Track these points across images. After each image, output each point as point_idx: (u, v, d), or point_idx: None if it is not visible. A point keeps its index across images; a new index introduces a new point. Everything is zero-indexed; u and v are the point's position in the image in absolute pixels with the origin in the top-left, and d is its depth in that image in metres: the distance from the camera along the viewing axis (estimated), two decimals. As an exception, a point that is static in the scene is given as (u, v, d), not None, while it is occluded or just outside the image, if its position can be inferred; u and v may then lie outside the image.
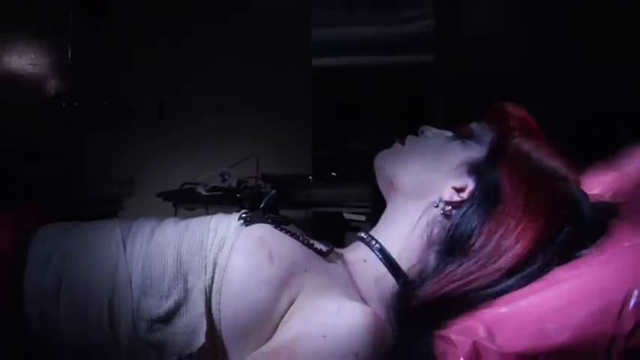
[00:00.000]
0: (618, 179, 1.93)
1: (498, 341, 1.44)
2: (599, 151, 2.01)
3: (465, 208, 1.74)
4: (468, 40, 6.22)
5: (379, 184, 1.97)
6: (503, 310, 1.54)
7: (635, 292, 1.42)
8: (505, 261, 1.61)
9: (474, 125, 1.90)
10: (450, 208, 1.76)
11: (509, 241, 1.63)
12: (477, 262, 1.64)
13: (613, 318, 1.41)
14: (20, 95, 6.31)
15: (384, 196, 1.95)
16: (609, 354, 1.40)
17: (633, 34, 5.69)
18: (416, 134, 1.97)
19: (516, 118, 1.86)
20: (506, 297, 1.58)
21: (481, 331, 1.48)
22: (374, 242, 1.83)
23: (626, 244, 1.57)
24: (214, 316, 1.63)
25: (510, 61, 6.15)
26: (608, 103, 5.64)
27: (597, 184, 1.90)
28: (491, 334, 1.46)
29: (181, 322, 1.62)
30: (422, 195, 1.82)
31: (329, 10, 6.14)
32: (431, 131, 1.98)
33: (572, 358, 1.41)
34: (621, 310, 1.42)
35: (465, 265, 1.64)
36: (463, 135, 1.89)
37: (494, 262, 1.62)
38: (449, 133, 1.94)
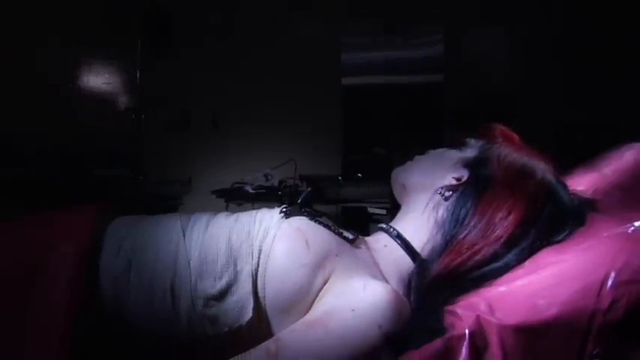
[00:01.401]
0: (597, 179, 1.94)
1: (498, 315, 1.45)
2: (582, 156, 2.03)
3: (461, 190, 1.80)
4: (472, 62, 6.21)
5: (394, 192, 2.02)
6: (502, 289, 1.56)
7: (612, 274, 1.43)
8: (502, 230, 1.68)
9: (468, 139, 1.97)
10: (450, 192, 1.81)
11: (502, 214, 1.70)
12: (478, 233, 1.69)
13: (593, 296, 1.42)
14: (97, 109, 6.36)
15: (398, 200, 1.99)
16: (590, 326, 1.41)
17: (613, 58, 5.68)
18: (428, 142, 2.02)
19: (500, 131, 1.99)
20: (504, 278, 1.60)
21: (483, 307, 1.49)
22: (392, 230, 1.86)
23: (605, 234, 1.58)
24: (260, 294, 1.64)
25: (509, 81, 6.14)
26: (591, 115, 5.64)
27: (580, 184, 1.92)
28: (491, 309, 1.47)
29: (232, 299, 1.64)
30: (427, 188, 1.86)
31: (356, 38, 6.15)
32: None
33: (559, 329, 1.42)
34: (600, 289, 1.43)
35: (469, 237, 1.69)
36: (460, 145, 1.97)
37: (493, 231, 1.68)
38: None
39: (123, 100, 6.62)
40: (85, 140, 5.77)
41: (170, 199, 6.01)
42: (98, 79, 6.55)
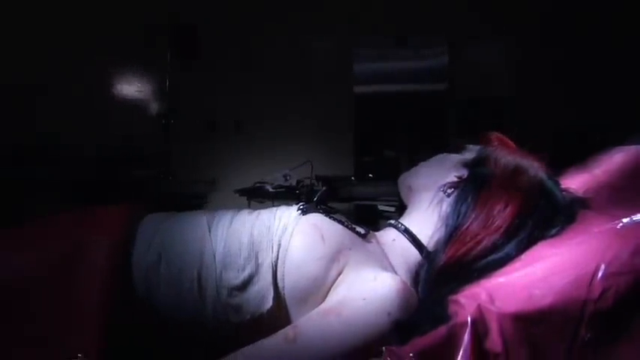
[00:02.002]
0: (589, 179, 1.95)
1: (497, 304, 1.45)
2: (574, 157, 2.05)
3: (462, 187, 1.81)
4: (474, 71, 6.22)
5: (401, 194, 2.03)
6: (501, 280, 1.56)
7: (602, 267, 1.43)
8: (501, 221, 1.69)
9: (467, 144, 2.00)
10: (452, 189, 1.82)
11: (500, 206, 1.71)
12: (479, 224, 1.71)
13: (585, 286, 1.43)
14: (130, 115, 6.39)
15: (405, 201, 2.00)
16: (582, 313, 1.41)
17: (606, 68, 5.67)
18: (433, 146, 2.06)
19: (496, 136, 2.03)
20: (503, 270, 1.60)
21: (484, 296, 1.49)
22: (400, 225, 1.87)
23: (596, 229, 1.58)
24: (279, 284, 1.66)
25: (509, 88, 6.14)
26: (582, 121, 5.63)
27: (572, 183, 1.93)
28: (491, 299, 1.47)
29: (253, 289, 1.65)
30: (431, 187, 1.87)
31: (367, 49, 6.16)
32: None
33: (554, 317, 1.42)
34: (591, 280, 1.43)
35: (471, 228, 1.71)
36: (460, 150, 2.00)
37: (493, 222, 1.70)
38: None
39: (154, 107, 6.65)
40: (119, 144, 5.81)
41: (196, 198, 6.03)
42: (131, 88, 6.58)
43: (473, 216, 1.73)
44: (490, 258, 1.67)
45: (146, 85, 6.62)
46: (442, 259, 1.71)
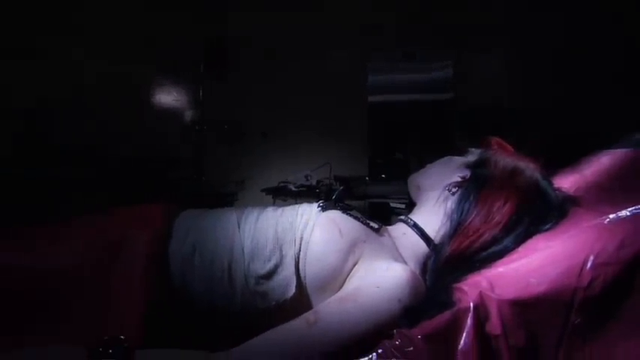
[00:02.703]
0: (579, 179, 1.96)
1: (497, 291, 1.46)
2: (568, 160, 2.07)
3: (465, 186, 1.83)
4: (478, 82, 6.20)
5: (410, 193, 2.04)
6: (501, 269, 1.57)
7: (591, 258, 1.44)
8: (500, 217, 1.72)
9: (470, 148, 2.02)
10: (456, 188, 1.83)
11: (500, 203, 1.74)
12: (480, 219, 1.73)
13: (575, 275, 1.44)
14: (167, 121, 6.41)
15: (414, 199, 2.01)
16: (573, 300, 1.42)
17: (602, 80, 5.66)
18: (439, 149, 2.08)
19: (495, 141, 2.06)
20: (502, 261, 1.62)
21: (485, 284, 1.50)
22: (410, 221, 1.88)
23: (585, 224, 1.59)
24: (301, 274, 1.68)
25: (510, 98, 6.12)
26: (577, 127, 5.61)
27: (564, 183, 1.94)
28: (492, 286, 1.49)
29: (278, 278, 1.67)
30: (437, 186, 1.88)
31: (380, 63, 6.15)
32: None
33: (548, 303, 1.43)
34: (581, 270, 1.44)
35: (473, 223, 1.74)
36: (463, 153, 2.02)
37: (493, 217, 1.73)
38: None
39: (189, 115, 6.66)
40: (156, 148, 5.82)
41: (227, 196, 6.04)
42: (169, 97, 6.60)
43: (475, 212, 1.75)
44: (490, 250, 1.69)
45: (182, 95, 6.64)
46: (447, 251, 1.74)
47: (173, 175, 5.79)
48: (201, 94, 6.42)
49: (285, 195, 5.57)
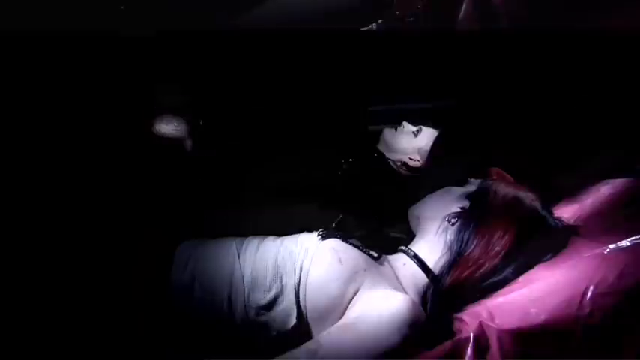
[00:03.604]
0: (579, 209, 1.96)
1: (497, 321, 1.46)
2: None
3: (465, 216, 1.82)
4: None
5: (410, 224, 2.03)
6: (501, 299, 1.57)
7: (591, 288, 1.45)
8: (500, 247, 1.72)
9: (470, 179, 2.03)
10: (455, 219, 1.82)
11: (499, 233, 1.74)
12: (480, 249, 1.72)
13: (576, 305, 1.44)
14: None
15: (414, 230, 1.99)
16: (574, 330, 1.42)
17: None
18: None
19: (495, 171, 2.11)
20: (502, 290, 1.62)
21: (485, 314, 1.50)
22: (410, 251, 1.86)
23: (585, 254, 1.59)
24: (301, 303, 1.66)
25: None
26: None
27: (564, 212, 1.93)
28: (492, 316, 1.49)
29: (279, 308, 1.65)
30: (437, 217, 1.86)
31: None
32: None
33: (548, 333, 1.43)
34: (581, 300, 1.44)
35: (473, 253, 1.73)
36: (462, 183, 2.02)
37: (493, 248, 1.72)
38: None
39: (188, 144, 6.67)
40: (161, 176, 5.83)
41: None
42: (168, 127, 6.61)
43: (475, 242, 1.74)
44: (490, 280, 1.68)
45: (182, 125, 6.65)
46: (447, 281, 1.72)
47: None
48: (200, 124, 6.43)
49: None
